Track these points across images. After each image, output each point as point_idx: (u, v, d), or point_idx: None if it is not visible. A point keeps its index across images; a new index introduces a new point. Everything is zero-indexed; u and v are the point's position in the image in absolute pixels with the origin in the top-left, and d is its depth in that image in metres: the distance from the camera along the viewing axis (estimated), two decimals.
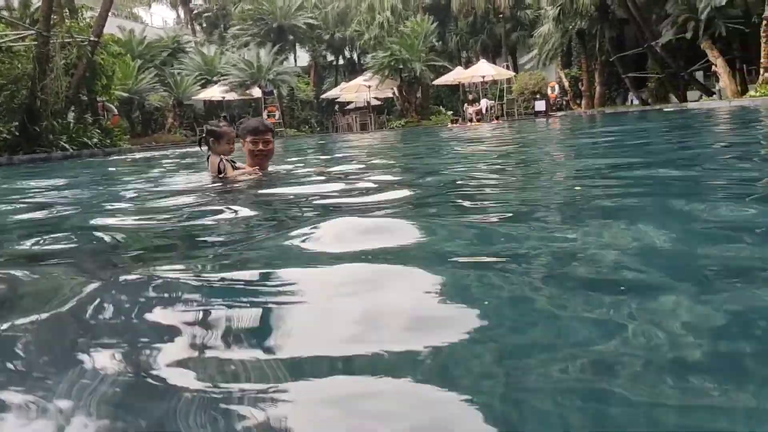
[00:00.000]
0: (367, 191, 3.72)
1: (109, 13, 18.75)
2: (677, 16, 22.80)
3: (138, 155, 16.23)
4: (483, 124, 25.80)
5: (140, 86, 29.33)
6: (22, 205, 4.58)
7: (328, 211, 2.90)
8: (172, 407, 0.90)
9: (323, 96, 40.49)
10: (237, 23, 42.85)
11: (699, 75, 25.66)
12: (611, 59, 30.17)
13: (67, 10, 20.04)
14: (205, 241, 2.37)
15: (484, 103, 31.16)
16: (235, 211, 3.07)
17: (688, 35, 22.20)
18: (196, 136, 32.46)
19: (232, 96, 33.89)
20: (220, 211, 3.12)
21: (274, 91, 34.16)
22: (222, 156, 4.73)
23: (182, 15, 54.45)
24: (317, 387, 0.96)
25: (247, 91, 33.88)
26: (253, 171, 4.77)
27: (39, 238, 2.61)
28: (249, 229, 2.54)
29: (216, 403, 0.92)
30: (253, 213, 3.09)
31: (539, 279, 1.42)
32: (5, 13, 19.50)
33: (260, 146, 4.76)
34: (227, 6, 48.72)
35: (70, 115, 18.33)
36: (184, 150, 18.80)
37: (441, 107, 37.51)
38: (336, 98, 38.57)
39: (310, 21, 40.51)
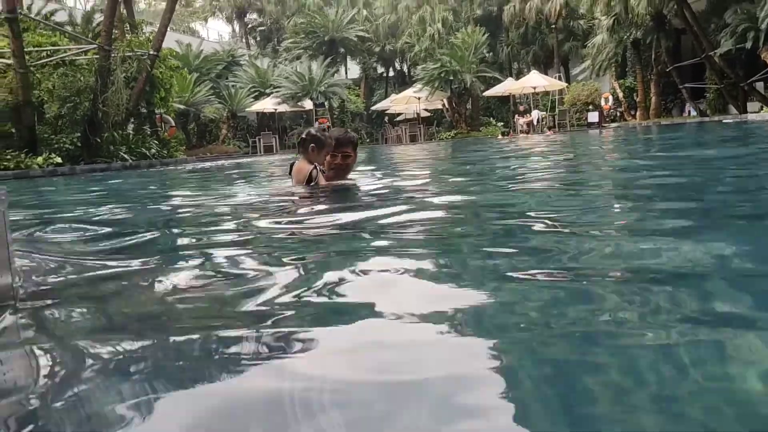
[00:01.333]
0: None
1: (168, 28, 19.29)
2: (736, 26, 22.18)
3: (200, 164, 16.61)
4: (534, 135, 25.52)
5: (196, 99, 30.07)
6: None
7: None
8: None
9: (373, 108, 40.76)
10: (290, 36, 43.62)
11: (759, 86, 24.83)
12: (668, 69, 29.48)
13: (127, 25, 20.75)
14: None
15: (535, 114, 30.85)
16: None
17: (748, 45, 21.55)
18: (248, 146, 33.26)
19: (284, 108, 34.44)
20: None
21: (325, 103, 34.56)
22: (315, 163, 4.52)
23: (237, 29, 55.70)
24: None
25: (299, 103, 34.37)
26: (343, 183, 4.68)
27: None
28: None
29: None
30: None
31: None
32: (69, 28, 20.27)
33: (339, 160, 4.61)
34: (281, 20, 49.63)
35: (130, 127, 18.92)
36: (237, 161, 19.19)
37: (491, 118, 37.30)
38: (386, 110, 38.76)
39: (362, 34, 40.92)
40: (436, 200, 4.23)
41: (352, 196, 4.51)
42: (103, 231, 3.31)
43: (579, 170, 6.36)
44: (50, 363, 1.21)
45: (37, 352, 1.27)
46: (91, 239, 3.00)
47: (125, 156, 16.59)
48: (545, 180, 5.37)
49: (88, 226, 3.57)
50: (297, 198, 4.44)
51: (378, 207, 3.89)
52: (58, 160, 14.94)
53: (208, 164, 17.27)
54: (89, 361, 1.20)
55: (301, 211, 3.79)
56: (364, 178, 5.84)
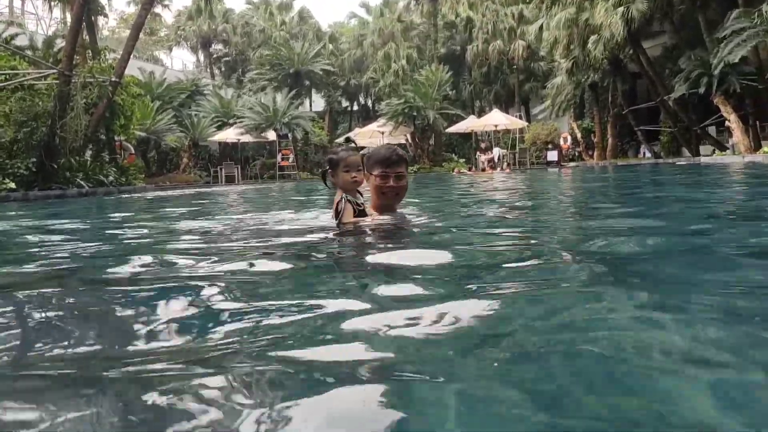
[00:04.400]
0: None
1: (131, 56, 19.15)
2: (690, 71, 23.00)
3: (153, 194, 16.36)
4: (495, 172, 25.90)
5: (158, 126, 29.79)
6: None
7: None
8: None
9: (337, 141, 40.95)
10: (255, 68, 43.82)
11: (712, 130, 25.75)
12: (624, 112, 30.39)
13: (89, 52, 20.57)
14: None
15: (496, 151, 31.36)
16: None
17: (701, 90, 22.34)
18: (210, 176, 32.96)
19: (247, 138, 34.33)
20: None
21: (289, 135, 34.58)
22: (345, 193, 3.61)
23: (202, 59, 55.69)
24: None
25: (262, 134, 34.32)
26: (376, 223, 3.61)
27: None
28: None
29: None
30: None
31: None
32: (29, 52, 19.98)
33: (390, 182, 3.63)
34: (246, 51, 49.85)
35: (88, 153, 18.59)
36: (195, 190, 18.98)
37: (453, 154, 37.80)
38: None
39: (327, 68, 41.30)
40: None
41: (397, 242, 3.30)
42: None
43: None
44: None
45: None
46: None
47: (82, 183, 16.24)
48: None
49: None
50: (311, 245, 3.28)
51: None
52: (12, 185, 14.56)
53: (168, 193, 17.02)
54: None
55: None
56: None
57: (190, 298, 1.89)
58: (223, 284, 2.07)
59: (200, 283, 2.08)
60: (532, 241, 3.13)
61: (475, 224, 4.35)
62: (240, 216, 5.69)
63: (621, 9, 24.63)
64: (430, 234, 3.56)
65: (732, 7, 21.05)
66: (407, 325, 1.44)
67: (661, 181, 10.68)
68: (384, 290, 1.89)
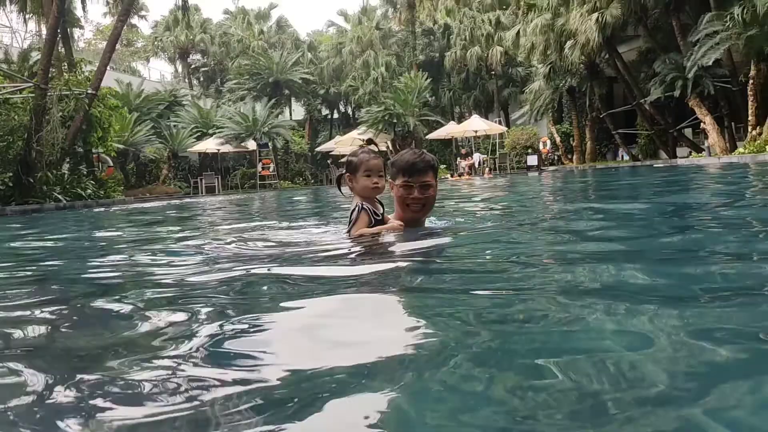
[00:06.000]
0: None
1: (108, 67, 19.00)
2: (665, 75, 23.27)
3: (133, 206, 16.22)
4: (476, 178, 26.03)
5: (136, 138, 29.59)
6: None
7: None
8: None
9: (318, 149, 40.92)
10: (233, 77, 43.69)
11: (688, 132, 26.07)
12: (601, 116, 30.70)
13: (65, 64, 20.38)
14: None
15: (476, 157, 31.55)
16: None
17: (677, 93, 22.61)
18: (190, 187, 32.77)
19: (227, 148, 34.22)
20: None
21: (269, 144, 34.51)
22: (362, 201, 3.21)
23: (180, 69, 55.41)
24: None
25: (242, 144, 34.23)
26: (394, 227, 3.19)
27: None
28: None
29: None
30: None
31: None
32: (4, 66, 19.77)
33: (415, 193, 3.21)
34: (224, 61, 49.68)
35: (65, 167, 18.40)
36: (177, 201, 18.85)
37: None
38: (330, 151, 39.00)
39: (306, 76, 41.30)
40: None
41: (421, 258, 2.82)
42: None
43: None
44: None
45: None
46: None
47: (59, 197, 16.06)
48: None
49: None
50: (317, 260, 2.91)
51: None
52: None
53: (152, 204, 16.89)
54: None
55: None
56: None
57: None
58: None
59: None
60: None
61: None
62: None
63: (595, 15, 24.89)
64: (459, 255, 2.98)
65: (704, 10, 21.36)
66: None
67: (637, 183, 10.80)
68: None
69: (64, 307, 2.29)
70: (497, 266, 2.56)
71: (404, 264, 2.60)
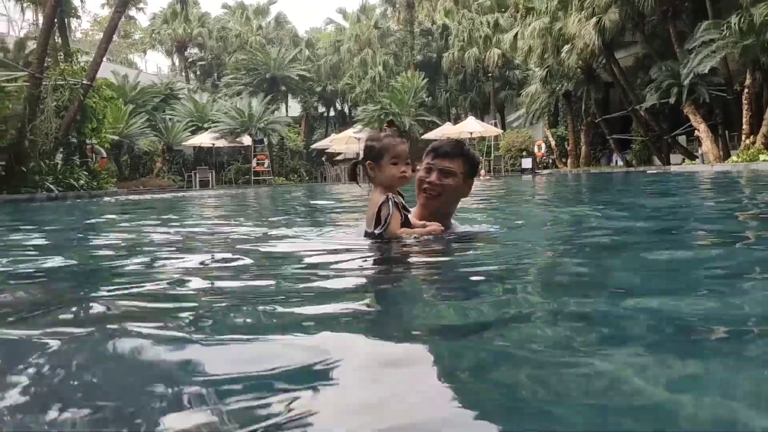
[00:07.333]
0: None
1: (104, 59, 18.91)
2: (661, 82, 23.36)
3: (125, 198, 16.15)
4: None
5: (131, 130, 29.47)
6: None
7: None
8: None
9: (313, 146, 40.90)
10: (230, 72, 43.65)
11: (682, 139, 26.17)
12: (597, 120, 30.77)
13: (62, 54, 20.28)
14: None
15: None
16: None
17: (672, 100, 22.70)
18: (184, 181, 32.64)
19: (222, 143, 34.13)
20: None
21: (264, 140, 34.46)
22: (389, 193, 2.71)
23: (177, 62, 55.22)
24: None
25: (237, 139, 34.16)
26: (433, 230, 2.73)
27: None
28: None
29: None
30: None
31: None
32: (0, 54, 19.66)
33: (433, 176, 2.87)
34: (222, 56, 49.60)
35: (58, 157, 18.32)
36: (170, 195, 18.79)
37: None
38: (326, 149, 39.00)
39: (303, 73, 41.30)
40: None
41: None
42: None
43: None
44: None
45: None
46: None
47: (51, 187, 15.98)
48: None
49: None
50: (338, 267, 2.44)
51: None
52: None
53: (144, 197, 16.81)
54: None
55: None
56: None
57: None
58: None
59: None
60: None
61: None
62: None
63: (594, 19, 24.96)
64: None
65: (702, 18, 21.46)
66: None
67: (629, 190, 10.82)
68: None
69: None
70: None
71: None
